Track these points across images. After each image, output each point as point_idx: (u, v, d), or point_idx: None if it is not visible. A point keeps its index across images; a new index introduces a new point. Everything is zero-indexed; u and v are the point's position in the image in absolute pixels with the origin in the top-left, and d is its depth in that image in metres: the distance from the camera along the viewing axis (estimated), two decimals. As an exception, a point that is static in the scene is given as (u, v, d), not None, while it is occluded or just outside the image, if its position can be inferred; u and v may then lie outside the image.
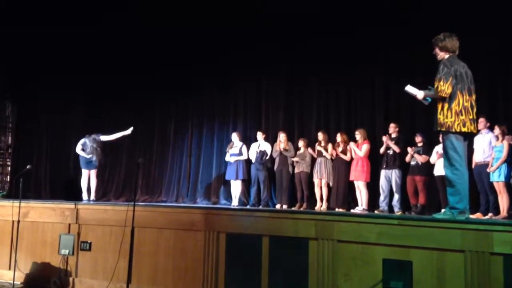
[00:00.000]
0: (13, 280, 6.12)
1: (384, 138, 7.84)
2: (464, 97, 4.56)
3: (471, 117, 4.58)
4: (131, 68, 10.39)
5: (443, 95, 4.53)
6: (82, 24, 9.83)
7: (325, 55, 8.81)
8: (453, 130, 4.52)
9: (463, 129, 4.52)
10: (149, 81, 10.46)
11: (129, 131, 9.00)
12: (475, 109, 4.64)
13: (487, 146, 6.96)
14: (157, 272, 5.77)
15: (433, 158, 7.34)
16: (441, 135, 4.77)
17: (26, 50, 10.10)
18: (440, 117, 4.58)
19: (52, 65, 10.31)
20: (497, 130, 6.81)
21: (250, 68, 9.63)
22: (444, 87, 4.51)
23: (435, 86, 4.58)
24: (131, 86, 10.59)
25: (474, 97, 4.65)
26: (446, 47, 4.69)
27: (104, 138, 9.03)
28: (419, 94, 4.79)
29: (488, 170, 6.75)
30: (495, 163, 6.69)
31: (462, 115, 4.53)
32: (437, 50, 4.76)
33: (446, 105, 4.55)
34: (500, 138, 6.77)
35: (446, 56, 4.69)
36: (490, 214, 6.72)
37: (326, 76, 9.03)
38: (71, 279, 6.29)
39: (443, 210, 5.16)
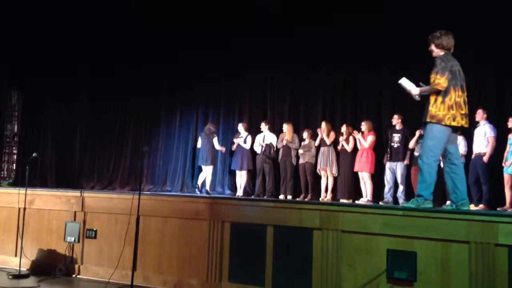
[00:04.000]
0: (19, 267, 6.16)
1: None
2: (457, 92, 4.67)
3: (463, 112, 4.70)
4: (136, 58, 10.38)
5: (439, 88, 4.63)
6: (87, 13, 9.85)
7: (332, 46, 8.77)
8: (443, 123, 4.63)
9: (453, 123, 4.65)
10: (154, 71, 10.46)
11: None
12: (467, 105, 4.75)
13: (482, 137, 7.00)
14: (162, 260, 5.80)
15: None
16: (424, 126, 4.86)
17: (32, 39, 10.11)
18: (432, 109, 4.68)
19: (58, 53, 10.33)
20: (511, 122, 6.82)
21: (256, 58, 9.61)
22: (441, 81, 4.62)
23: (431, 79, 4.67)
24: (137, 75, 10.59)
25: (465, 94, 4.76)
26: (442, 44, 4.80)
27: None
28: (414, 89, 4.87)
29: (503, 164, 6.80)
30: (510, 157, 6.70)
31: (453, 109, 4.64)
32: (433, 46, 4.86)
33: (439, 99, 4.66)
34: None
35: (441, 53, 4.79)
36: (481, 205, 6.79)
37: (332, 68, 9.01)
38: (76, 266, 6.33)
39: (448, 203, 5.20)
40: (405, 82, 4.96)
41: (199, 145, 9.47)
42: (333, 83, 9.06)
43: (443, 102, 4.64)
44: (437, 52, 4.82)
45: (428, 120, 4.71)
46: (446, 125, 4.64)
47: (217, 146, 9.36)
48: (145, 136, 10.72)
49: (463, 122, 4.71)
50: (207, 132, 9.37)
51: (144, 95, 10.76)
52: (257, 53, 9.47)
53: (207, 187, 9.27)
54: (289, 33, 9.10)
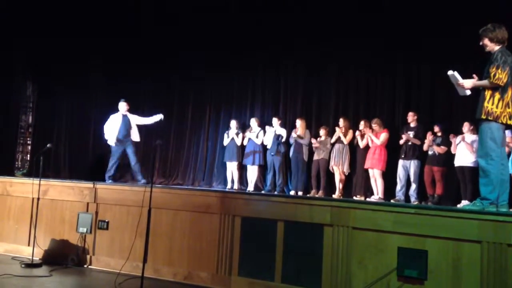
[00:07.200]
0: (32, 256, 6.24)
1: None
2: None
3: None
4: (150, 52, 10.42)
5: (500, 83, 4.35)
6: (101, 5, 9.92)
7: (345, 42, 8.72)
8: (500, 121, 4.37)
9: (509, 122, 4.41)
10: (168, 65, 10.49)
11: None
12: None
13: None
14: (172, 252, 5.83)
15: (454, 147, 7.26)
16: (480, 124, 4.53)
17: (47, 31, 10.19)
18: (488, 105, 4.39)
19: (72, 45, 10.39)
20: None
21: (269, 54, 9.59)
22: (502, 75, 4.33)
23: (492, 73, 4.37)
24: (150, 69, 10.63)
25: None
26: (497, 38, 4.50)
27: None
28: (467, 82, 4.57)
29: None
30: None
31: (509, 107, 4.39)
32: (486, 41, 4.55)
33: (497, 95, 4.39)
34: None
35: (496, 47, 4.50)
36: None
37: (345, 64, 8.96)
38: (88, 256, 6.40)
39: (463, 202, 5.12)
40: (455, 74, 4.64)
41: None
42: (346, 79, 9.00)
43: (501, 99, 4.36)
44: (491, 46, 4.51)
45: (483, 117, 4.41)
46: (502, 123, 4.39)
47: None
48: (157, 130, 10.75)
49: None
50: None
51: (157, 91, 10.79)
52: (271, 49, 9.45)
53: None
54: (302, 31, 9.07)
